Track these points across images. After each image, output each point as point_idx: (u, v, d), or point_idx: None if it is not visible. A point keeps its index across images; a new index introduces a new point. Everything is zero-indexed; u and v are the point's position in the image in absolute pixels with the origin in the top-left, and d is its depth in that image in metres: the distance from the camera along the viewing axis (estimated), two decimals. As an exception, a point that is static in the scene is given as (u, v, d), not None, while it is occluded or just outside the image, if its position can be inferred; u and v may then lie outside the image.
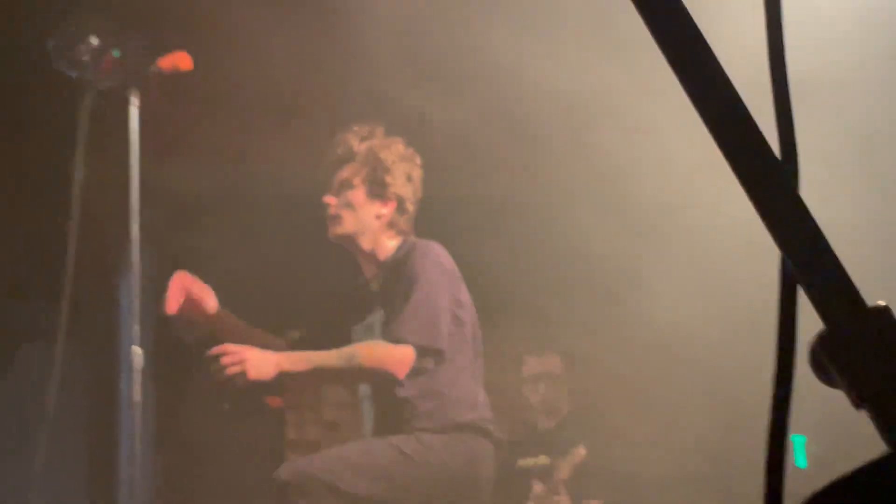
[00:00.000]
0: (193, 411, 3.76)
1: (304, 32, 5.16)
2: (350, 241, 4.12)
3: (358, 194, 4.13)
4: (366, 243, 4.09)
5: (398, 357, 3.90)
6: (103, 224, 4.46)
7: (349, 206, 4.12)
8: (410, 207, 4.20)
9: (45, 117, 4.78)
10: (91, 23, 5.06)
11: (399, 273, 4.01)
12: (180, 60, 3.91)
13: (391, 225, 4.15)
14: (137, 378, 4.02)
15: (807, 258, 0.91)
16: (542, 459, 5.91)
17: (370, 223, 4.11)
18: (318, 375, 3.91)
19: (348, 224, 4.13)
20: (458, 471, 3.99)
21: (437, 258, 4.02)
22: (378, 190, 4.13)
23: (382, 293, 4.11)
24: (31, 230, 5.73)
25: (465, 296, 4.13)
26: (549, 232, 6.01)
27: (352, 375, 3.95)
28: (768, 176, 0.93)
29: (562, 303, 6.18)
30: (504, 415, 6.56)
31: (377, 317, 4.14)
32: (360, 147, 4.14)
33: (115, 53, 3.97)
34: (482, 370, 4.24)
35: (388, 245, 4.14)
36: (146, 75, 3.81)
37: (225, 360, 3.71)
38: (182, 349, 4.07)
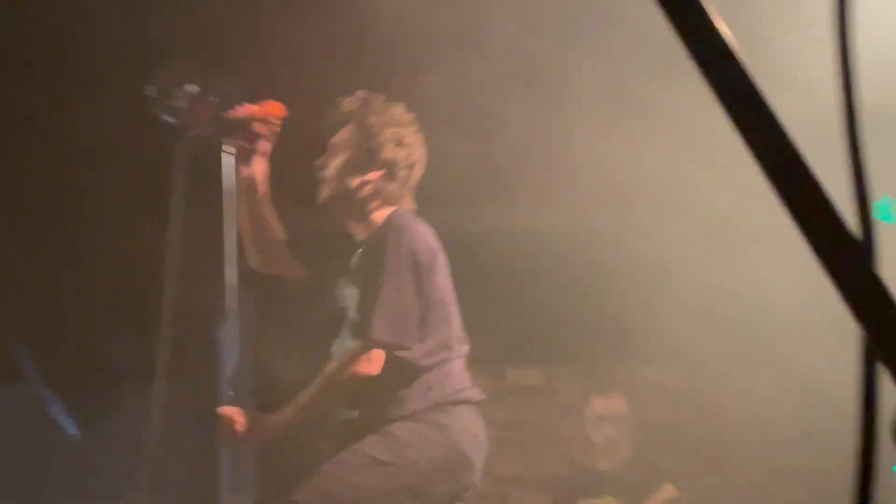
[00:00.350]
0: (291, 450, 3.81)
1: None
2: (338, 207, 4.07)
3: (347, 158, 4.09)
4: (353, 212, 4.05)
5: (372, 360, 3.91)
6: (200, 267, 4.52)
7: (341, 175, 4.09)
8: (402, 174, 4.10)
9: (140, 163, 4.87)
10: (188, 70, 5.16)
11: (375, 254, 3.98)
12: (272, 108, 3.96)
13: (379, 193, 4.08)
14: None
15: (886, 338, 0.90)
16: (609, 501, 5.88)
17: (356, 190, 4.06)
18: (317, 409, 3.95)
19: (336, 189, 4.09)
20: (443, 453, 3.96)
21: (410, 245, 3.97)
22: (366, 154, 4.08)
23: (359, 272, 4.07)
24: (130, 272, 5.83)
25: (439, 281, 4.05)
26: (612, 274, 6.00)
27: (342, 392, 3.96)
28: (846, 256, 0.92)
29: (627, 341, 6.19)
30: (565, 455, 6.57)
31: (352, 294, 4.09)
32: (352, 112, 4.10)
33: (212, 101, 4.03)
34: (457, 346, 4.16)
35: (376, 216, 4.08)
36: (241, 123, 3.86)
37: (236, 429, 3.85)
38: (279, 389, 4.11)
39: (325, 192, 4.05)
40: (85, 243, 6.01)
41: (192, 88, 5.09)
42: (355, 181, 4.04)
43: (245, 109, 3.89)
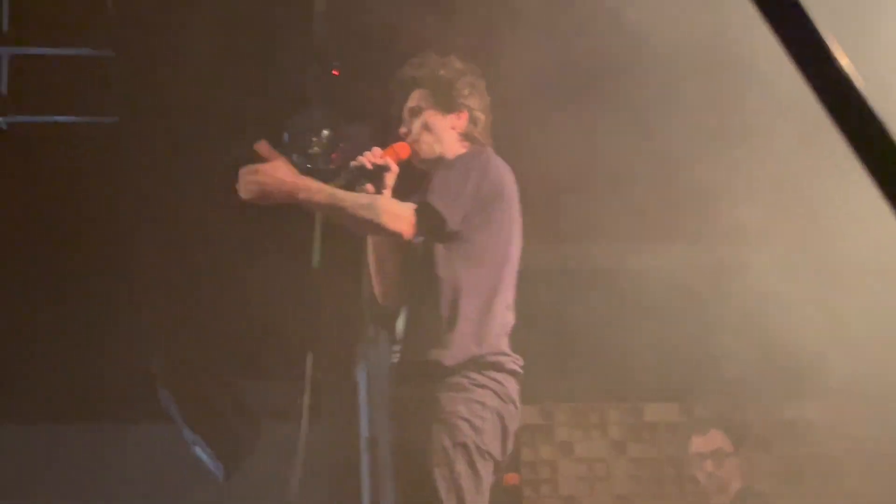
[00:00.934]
0: (430, 497, 3.78)
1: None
2: (435, 162, 4.06)
3: (430, 114, 4.10)
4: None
5: (412, 217, 3.80)
6: (340, 311, 4.61)
7: (426, 127, 4.09)
8: (481, 116, 4.12)
9: (282, 208, 4.96)
10: (323, 116, 5.27)
11: None
12: (401, 149, 4.02)
13: (466, 136, 4.10)
14: (377, 460, 4.10)
15: None
16: None
17: (447, 136, 4.08)
18: (335, 213, 3.84)
19: (430, 145, 4.10)
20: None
21: (484, 164, 3.93)
22: (446, 104, 4.09)
23: None
24: (277, 316, 5.93)
25: (500, 214, 3.95)
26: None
27: (365, 224, 3.85)
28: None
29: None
30: (672, 494, 6.50)
31: None
32: (418, 73, 4.13)
33: (345, 146, 4.11)
34: (506, 295, 4.01)
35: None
36: (372, 166, 3.92)
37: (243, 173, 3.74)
38: (417, 430, 4.09)
39: (420, 153, 4.07)
40: (229, 287, 6.14)
41: (327, 134, 5.20)
42: (446, 132, 4.07)
43: (375, 153, 3.95)
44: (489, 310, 3.87)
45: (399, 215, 3.74)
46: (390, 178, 3.98)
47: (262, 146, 3.72)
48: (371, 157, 3.90)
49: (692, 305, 6.07)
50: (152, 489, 7.80)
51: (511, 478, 6.25)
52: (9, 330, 7.25)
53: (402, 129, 4.07)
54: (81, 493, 7.96)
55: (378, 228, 3.78)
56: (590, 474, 6.23)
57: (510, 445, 3.84)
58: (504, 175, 3.96)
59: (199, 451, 6.49)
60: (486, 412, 3.75)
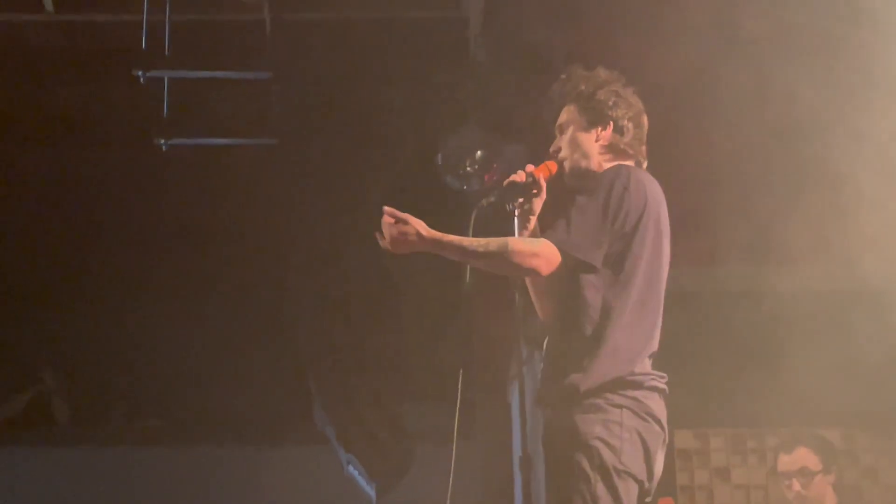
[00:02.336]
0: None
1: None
2: (583, 176, 4.01)
3: (575, 129, 4.07)
4: (590, 179, 3.98)
5: (547, 254, 3.75)
6: (493, 331, 4.60)
7: (572, 142, 4.05)
8: (629, 125, 4.05)
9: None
10: (477, 137, 5.29)
11: None
12: (552, 166, 4.01)
13: (610, 147, 4.03)
14: (527, 479, 4.08)
15: None
16: None
17: (592, 150, 4.02)
18: (469, 262, 3.83)
19: (577, 161, 4.04)
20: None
21: (619, 180, 3.85)
22: (591, 117, 4.05)
23: None
24: (430, 336, 5.96)
25: (643, 233, 3.85)
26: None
27: (500, 270, 3.79)
28: None
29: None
30: None
31: None
32: (564, 89, 4.10)
33: (498, 166, 4.12)
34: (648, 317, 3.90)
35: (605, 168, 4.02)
36: (524, 185, 3.91)
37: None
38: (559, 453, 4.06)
39: (569, 169, 4.06)
40: (383, 308, 6.19)
41: (481, 155, 5.22)
42: (589, 145, 4.05)
43: (527, 172, 3.95)
44: (633, 332, 3.83)
45: (532, 253, 3.73)
46: (538, 204, 3.97)
47: (389, 211, 3.83)
48: (522, 175, 3.90)
49: (845, 327, 5.95)
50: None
51: (666, 502, 6.18)
52: (166, 351, 7.41)
53: (552, 148, 4.07)
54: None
55: (514, 270, 3.79)
56: (747, 502, 6.11)
57: (657, 466, 3.77)
58: (649, 191, 3.90)
59: (352, 470, 6.54)
60: (624, 432, 3.66)
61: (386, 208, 3.84)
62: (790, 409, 6.39)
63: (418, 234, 3.77)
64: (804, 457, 5.75)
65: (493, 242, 3.80)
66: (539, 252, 3.75)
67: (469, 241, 3.80)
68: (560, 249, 3.74)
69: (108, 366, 7.82)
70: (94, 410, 8.11)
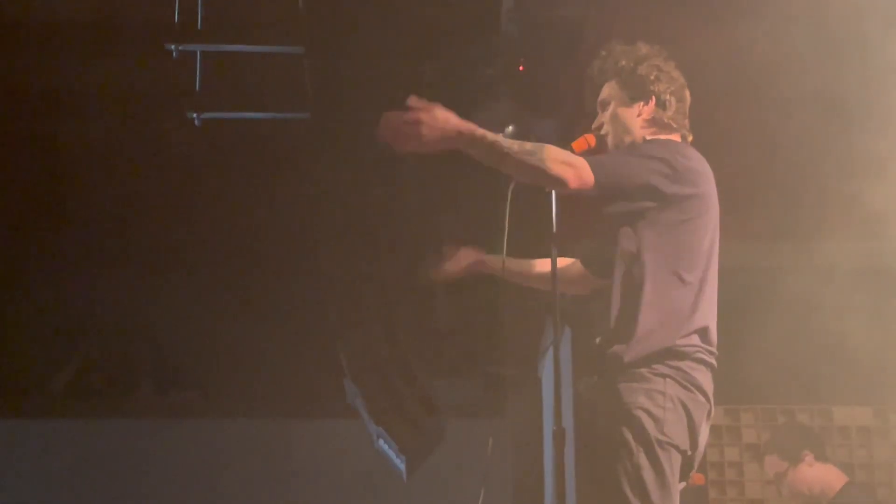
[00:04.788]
0: (612, 492, 3.73)
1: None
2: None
3: (616, 105, 4.05)
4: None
5: (580, 166, 3.71)
6: (525, 309, 4.60)
7: (614, 118, 4.04)
8: (671, 99, 4.03)
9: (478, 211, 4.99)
10: (508, 112, 5.28)
11: None
12: (590, 139, 4.00)
13: (654, 121, 4.01)
14: (560, 453, 4.06)
15: None
16: None
17: (634, 125, 4.01)
18: (499, 158, 3.74)
19: (619, 136, 4.04)
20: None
21: (671, 153, 3.83)
22: (633, 92, 4.04)
23: None
24: (461, 316, 5.97)
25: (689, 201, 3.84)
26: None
27: (530, 171, 3.73)
28: None
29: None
30: None
31: None
32: (604, 66, 4.08)
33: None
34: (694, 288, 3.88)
35: None
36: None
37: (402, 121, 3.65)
38: (599, 424, 4.05)
39: (609, 146, 4.05)
40: (412, 283, 6.20)
41: (511, 130, 5.20)
42: (631, 120, 4.03)
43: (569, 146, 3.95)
44: (679, 307, 3.80)
45: (566, 162, 3.67)
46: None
47: (414, 99, 3.64)
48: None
49: (880, 304, 5.93)
50: (336, 482, 7.92)
51: (697, 478, 6.17)
52: (199, 324, 7.45)
53: (594, 124, 4.06)
54: (271, 484, 8.13)
55: (543, 175, 3.66)
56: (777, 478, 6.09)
57: (701, 436, 3.74)
58: (695, 165, 3.88)
59: (382, 444, 6.55)
60: (667, 402, 3.63)
61: (412, 97, 3.67)
62: (823, 388, 6.39)
63: (446, 122, 3.57)
64: (775, 463, 5.76)
65: (528, 144, 3.75)
66: (573, 163, 3.72)
67: (503, 138, 3.73)
68: (593, 170, 3.73)
69: (142, 338, 7.87)
70: (127, 382, 8.17)
